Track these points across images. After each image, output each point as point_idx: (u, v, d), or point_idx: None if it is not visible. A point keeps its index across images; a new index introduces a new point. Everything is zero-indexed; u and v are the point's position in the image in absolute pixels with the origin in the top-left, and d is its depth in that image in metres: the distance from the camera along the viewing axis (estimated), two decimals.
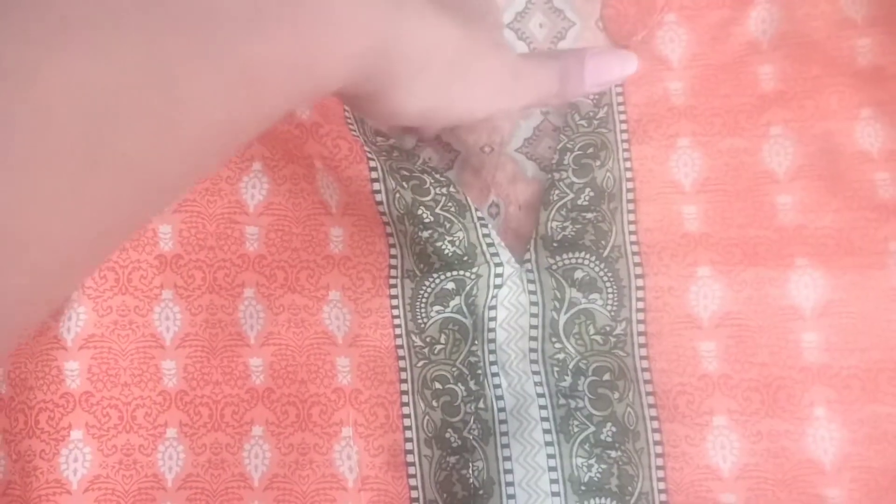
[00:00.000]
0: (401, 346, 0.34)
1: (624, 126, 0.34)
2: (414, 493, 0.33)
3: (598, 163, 0.33)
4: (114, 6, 0.16)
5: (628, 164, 0.33)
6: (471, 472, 0.32)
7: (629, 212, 0.33)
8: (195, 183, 0.20)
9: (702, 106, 0.34)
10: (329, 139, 0.35)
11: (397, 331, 0.34)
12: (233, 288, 0.34)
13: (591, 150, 0.34)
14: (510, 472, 0.32)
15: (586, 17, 0.36)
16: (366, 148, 0.34)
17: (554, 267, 0.33)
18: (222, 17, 0.18)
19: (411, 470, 0.33)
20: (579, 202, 0.33)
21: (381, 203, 0.34)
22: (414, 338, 0.33)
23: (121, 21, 0.16)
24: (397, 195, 0.34)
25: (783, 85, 0.34)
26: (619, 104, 0.34)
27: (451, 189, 0.33)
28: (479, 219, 0.33)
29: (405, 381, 0.33)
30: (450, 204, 0.33)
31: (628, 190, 0.33)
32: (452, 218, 0.33)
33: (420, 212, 0.33)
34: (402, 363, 0.33)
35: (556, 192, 0.33)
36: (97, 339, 0.34)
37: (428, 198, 0.33)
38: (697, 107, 0.34)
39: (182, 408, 0.34)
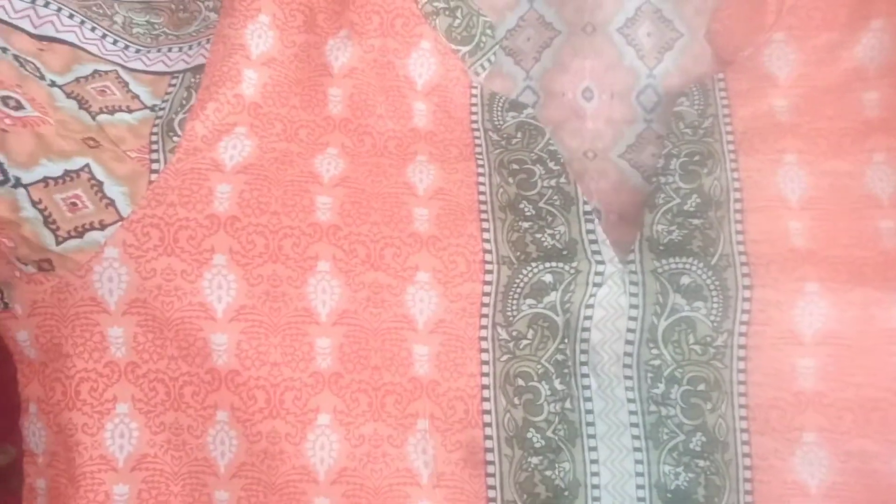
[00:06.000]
0: (485, 338, 0.32)
1: (730, 137, 0.34)
2: (491, 493, 0.31)
3: (705, 170, 0.33)
4: None
5: (735, 175, 0.33)
6: (556, 472, 0.31)
7: (736, 221, 0.33)
8: None
9: (806, 125, 0.34)
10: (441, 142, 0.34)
11: (483, 321, 0.32)
12: (303, 260, 0.31)
13: (697, 157, 0.33)
14: (597, 474, 0.31)
15: (695, 29, 0.36)
16: (476, 145, 0.34)
17: (660, 270, 0.32)
18: None
19: (490, 469, 0.31)
20: (686, 207, 0.33)
21: (483, 193, 0.33)
22: (500, 330, 0.32)
23: None
24: (500, 190, 0.33)
25: (888, 113, 0.34)
26: (724, 115, 0.34)
27: (562, 180, 0.33)
28: (586, 213, 0.32)
29: (487, 374, 0.32)
30: (556, 197, 0.33)
31: (735, 200, 0.33)
32: (556, 212, 0.32)
33: (522, 205, 0.33)
34: (484, 356, 0.32)
35: (662, 195, 0.33)
36: (140, 305, 0.31)
37: (533, 192, 0.33)
38: (802, 125, 0.34)
39: (233, 389, 0.31)
